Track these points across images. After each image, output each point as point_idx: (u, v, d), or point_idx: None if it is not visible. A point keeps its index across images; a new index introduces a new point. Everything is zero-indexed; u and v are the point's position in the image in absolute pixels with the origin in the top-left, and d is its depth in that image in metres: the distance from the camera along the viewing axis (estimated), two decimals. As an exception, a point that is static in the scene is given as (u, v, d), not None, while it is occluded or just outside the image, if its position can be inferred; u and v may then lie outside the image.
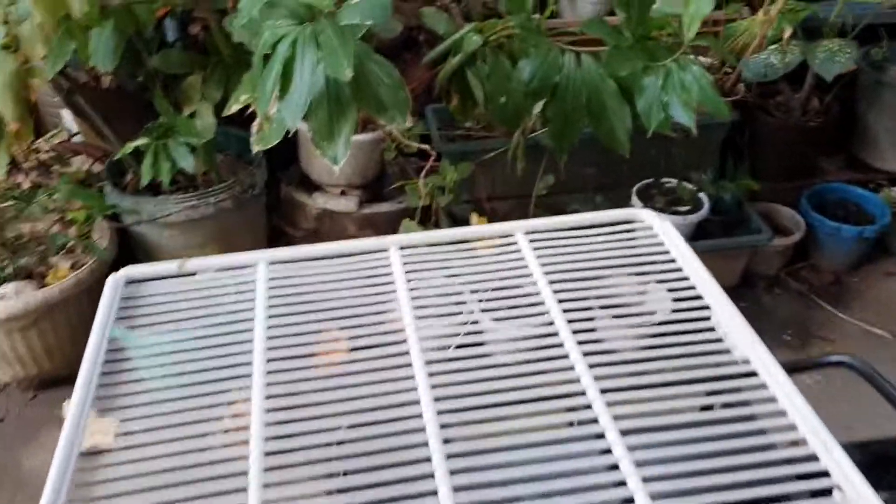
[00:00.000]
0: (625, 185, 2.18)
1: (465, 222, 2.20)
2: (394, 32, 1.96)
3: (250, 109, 1.72)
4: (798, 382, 0.78)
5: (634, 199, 2.15)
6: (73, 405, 0.70)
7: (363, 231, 2.13)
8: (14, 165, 2.30)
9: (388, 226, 2.12)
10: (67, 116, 2.49)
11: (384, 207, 2.13)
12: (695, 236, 2.16)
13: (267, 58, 1.49)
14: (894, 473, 0.64)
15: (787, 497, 0.60)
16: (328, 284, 0.82)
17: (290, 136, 1.50)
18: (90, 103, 2.09)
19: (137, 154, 1.98)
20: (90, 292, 1.90)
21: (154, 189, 2.03)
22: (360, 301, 0.81)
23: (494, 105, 1.89)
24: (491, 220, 2.22)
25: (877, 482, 0.66)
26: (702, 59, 2.14)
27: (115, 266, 1.99)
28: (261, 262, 0.85)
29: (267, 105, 1.48)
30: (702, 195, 2.15)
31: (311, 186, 2.17)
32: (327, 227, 2.12)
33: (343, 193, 2.12)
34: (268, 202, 2.23)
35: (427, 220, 2.14)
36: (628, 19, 1.71)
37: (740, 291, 2.31)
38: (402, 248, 0.85)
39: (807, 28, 2.17)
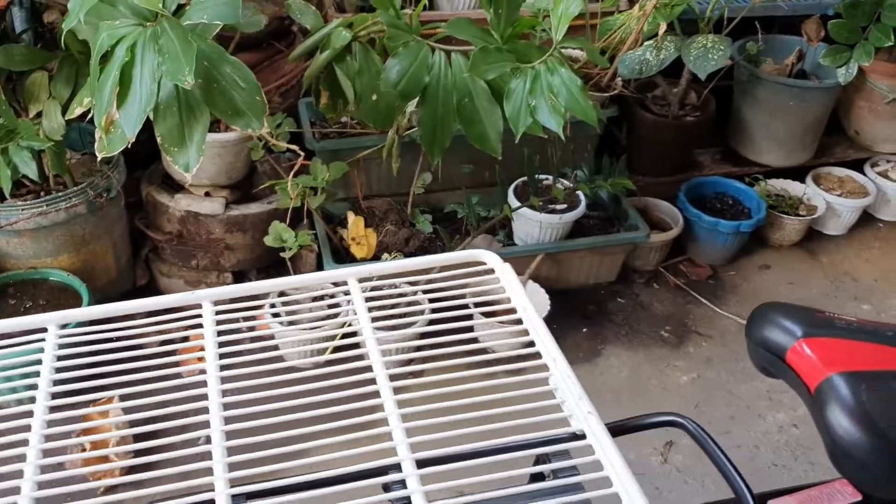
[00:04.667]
0: (500, 182, 2.15)
1: (342, 222, 2.13)
2: (257, 27, 1.85)
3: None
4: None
5: (511, 197, 2.12)
6: None
7: (231, 234, 2.02)
8: None
9: (258, 227, 2.03)
10: None
11: (253, 209, 2.04)
12: (573, 233, 2.15)
13: (105, 59, 1.38)
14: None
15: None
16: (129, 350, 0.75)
17: (129, 147, 1.39)
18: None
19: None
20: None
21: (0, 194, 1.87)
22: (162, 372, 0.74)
23: (366, 104, 1.82)
24: (368, 219, 2.15)
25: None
26: (576, 52, 2.12)
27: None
28: (51, 327, 0.76)
29: (104, 112, 1.37)
30: (579, 193, 2.13)
31: (175, 187, 2.05)
32: (192, 230, 2.01)
33: (208, 195, 2.01)
34: (130, 203, 2.10)
35: (299, 221, 2.06)
36: (496, 19, 1.66)
37: (619, 287, 2.32)
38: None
39: (683, 21, 2.16)
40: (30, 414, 0.67)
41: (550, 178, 2.18)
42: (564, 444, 0.65)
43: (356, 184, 2.13)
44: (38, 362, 0.71)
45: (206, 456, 0.64)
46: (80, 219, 1.88)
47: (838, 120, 2.68)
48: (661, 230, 2.34)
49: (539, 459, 0.71)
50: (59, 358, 0.72)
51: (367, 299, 0.79)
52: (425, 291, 0.81)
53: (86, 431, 1.76)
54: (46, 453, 0.65)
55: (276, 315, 1.83)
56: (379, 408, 0.69)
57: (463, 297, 0.82)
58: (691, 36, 2.12)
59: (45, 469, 0.62)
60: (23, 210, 1.81)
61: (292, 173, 1.93)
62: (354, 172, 2.10)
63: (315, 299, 1.48)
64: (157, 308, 0.78)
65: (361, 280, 0.82)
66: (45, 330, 0.75)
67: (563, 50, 1.69)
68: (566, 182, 2.15)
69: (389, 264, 0.84)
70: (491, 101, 1.72)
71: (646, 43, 2.10)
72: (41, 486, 0.62)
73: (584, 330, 2.19)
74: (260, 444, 0.64)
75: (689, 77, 2.29)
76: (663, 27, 2.06)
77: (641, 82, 2.38)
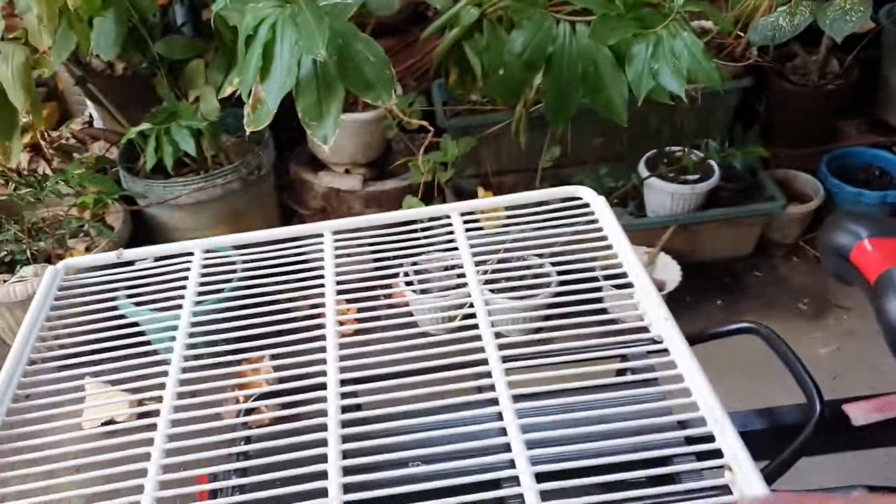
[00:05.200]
0: (631, 155, 2.16)
1: (472, 196, 2.20)
2: (391, 9, 1.95)
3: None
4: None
5: (642, 168, 2.12)
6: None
7: (369, 208, 2.15)
8: (37, 152, 2.38)
9: (393, 202, 2.14)
10: (91, 104, 2.56)
11: (389, 185, 2.15)
12: (706, 205, 2.13)
13: (250, 41, 1.51)
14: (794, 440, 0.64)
15: (679, 474, 0.61)
16: (260, 270, 0.85)
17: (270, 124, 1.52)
18: (103, 90, 2.15)
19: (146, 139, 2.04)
20: (104, 274, 1.96)
21: (165, 172, 2.08)
22: (288, 285, 0.83)
23: (493, 78, 1.88)
24: (497, 194, 2.21)
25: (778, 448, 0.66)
26: (706, 24, 2.10)
27: (130, 247, 2.07)
28: (196, 250, 0.87)
29: (250, 88, 1.51)
30: (712, 163, 2.11)
31: (318, 165, 2.20)
32: (334, 206, 2.15)
33: (347, 172, 2.14)
34: (279, 182, 2.26)
35: (432, 196, 2.15)
36: (618, -13, 1.68)
37: (756, 261, 2.27)
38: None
39: (822, -13, 2.10)
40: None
41: (682, 150, 2.17)
42: (644, 348, 0.69)
43: (485, 160, 2.20)
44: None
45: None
46: (234, 194, 2.06)
47: None
48: (800, 202, 2.27)
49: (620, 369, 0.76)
50: (203, 275, 0.84)
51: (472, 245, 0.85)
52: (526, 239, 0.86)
53: (240, 387, 1.93)
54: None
55: (409, 283, 1.93)
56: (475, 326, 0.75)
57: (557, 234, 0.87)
58: (826, 0, 2.05)
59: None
60: (184, 186, 2.00)
61: (423, 149, 2.03)
62: (483, 149, 2.17)
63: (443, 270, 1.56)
64: (285, 237, 0.88)
65: (463, 214, 0.88)
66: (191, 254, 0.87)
67: (692, 22, 1.69)
68: (698, 153, 2.14)
69: (486, 201, 0.91)
70: (615, 69, 1.74)
71: (779, 9, 2.05)
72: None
73: (719, 302, 2.16)
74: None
75: (829, 44, 2.21)
76: (798, -10, 2.01)
77: (780, 53, 2.32)
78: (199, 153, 2.03)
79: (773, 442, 0.66)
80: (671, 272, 2.09)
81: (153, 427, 0.69)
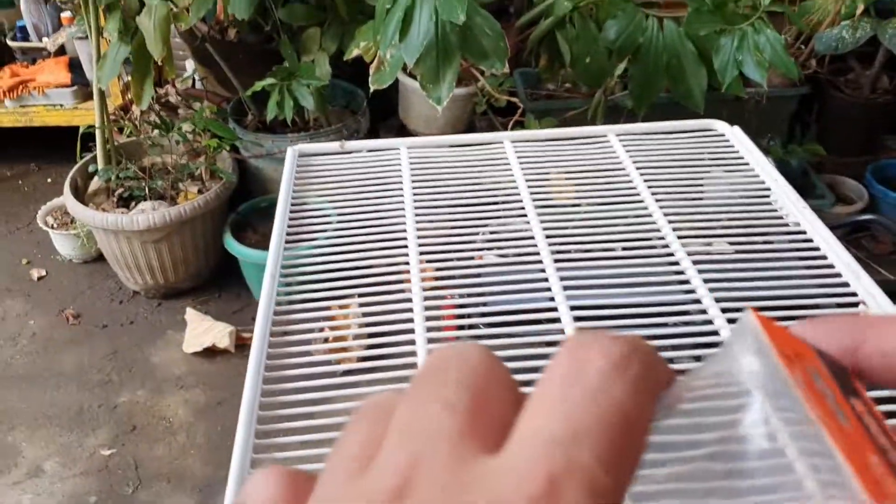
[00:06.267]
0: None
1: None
2: (491, -4, 2.16)
3: (359, 60, 1.95)
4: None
5: (705, 160, 2.31)
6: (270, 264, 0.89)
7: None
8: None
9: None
10: (189, 67, 2.76)
11: (474, 156, 2.34)
12: (760, 199, 2.32)
13: (388, 9, 1.72)
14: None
15: (819, 306, 0.80)
16: (456, 167, 1.04)
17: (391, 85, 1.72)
18: (218, 52, 2.35)
19: (256, 98, 2.24)
20: (213, 214, 2.16)
21: (270, 130, 2.28)
22: (483, 182, 1.02)
23: (580, 65, 2.09)
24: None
25: None
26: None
27: (235, 196, 2.27)
28: (402, 147, 1.06)
29: (388, 46, 1.71)
30: (769, 159, 2.30)
31: (408, 135, 2.40)
32: (421, 172, 2.34)
33: (438, 141, 2.33)
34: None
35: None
36: (709, -14, 1.88)
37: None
38: (513, 141, 1.06)
39: (881, 9, 2.30)
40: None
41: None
42: (785, 230, 0.88)
43: (562, 142, 2.40)
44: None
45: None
46: (334, 154, 2.25)
47: None
48: (846, 204, 2.46)
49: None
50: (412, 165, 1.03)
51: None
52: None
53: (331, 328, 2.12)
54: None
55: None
56: (650, 215, 0.94)
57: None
58: (888, 18, 2.26)
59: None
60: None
61: (510, 125, 2.23)
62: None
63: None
64: (471, 142, 1.07)
65: (617, 135, 1.07)
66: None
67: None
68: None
69: (639, 125, 1.10)
70: (697, 62, 1.94)
71: (842, 23, 2.25)
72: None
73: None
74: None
75: (884, 60, 2.41)
76: (861, 8, 2.21)
77: (835, 67, 2.52)
78: (303, 115, 2.23)
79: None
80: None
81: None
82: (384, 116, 2.50)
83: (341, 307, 0.83)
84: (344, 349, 1.93)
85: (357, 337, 2.04)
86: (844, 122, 2.54)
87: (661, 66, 1.97)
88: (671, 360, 0.73)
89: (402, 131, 2.43)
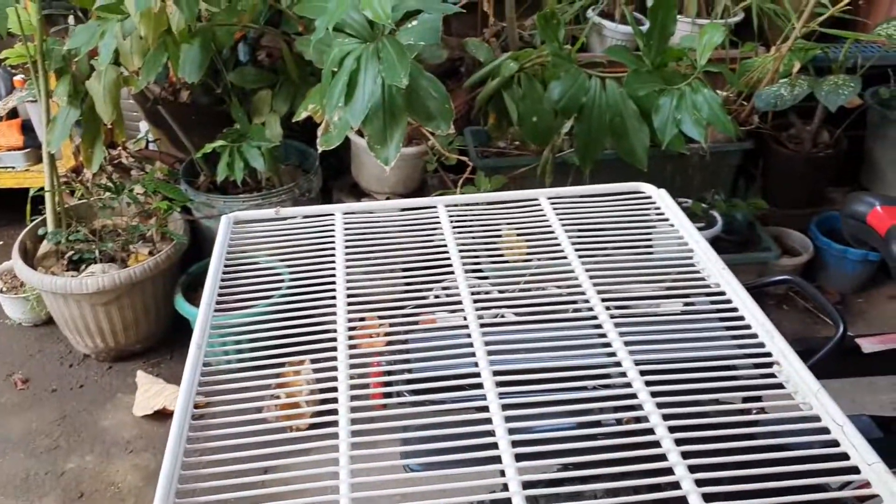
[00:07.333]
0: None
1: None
2: (440, 59, 2.21)
3: (310, 120, 1.98)
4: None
5: (653, 214, 2.36)
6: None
7: (406, 234, 2.36)
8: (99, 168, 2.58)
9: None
10: (143, 128, 2.77)
11: (426, 214, 2.37)
12: (708, 251, 2.37)
13: (334, 72, 1.75)
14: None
15: (735, 366, 0.82)
16: (389, 232, 1.05)
17: (342, 144, 1.74)
18: (170, 114, 2.37)
19: (209, 159, 2.25)
20: (164, 276, 2.15)
21: (222, 190, 2.29)
22: (415, 247, 1.04)
23: (527, 124, 2.13)
24: (522, 230, 2.44)
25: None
26: (719, 91, 2.38)
27: (187, 256, 2.26)
28: (337, 213, 1.08)
29: (333, 110, 1.73)
30: (715, 213, 2.36)
31: (360, 194, 2.42)
32: (374, 230, 2.36)
33: (388, 200, 2.36)
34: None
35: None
36: (648, 48, 1.94)
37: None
38: (447, 205, 1.08)
39: (818, 68, 2.39)
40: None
41: (690, 201, 2.42)
42: (705, 292, 0.90)
43: (513, 198, 2.43)
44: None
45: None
46: (285, 213, 2.26)
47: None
48: (791, 256, 2.52)
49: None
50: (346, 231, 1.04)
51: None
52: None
53: (280, 385, 2.10)
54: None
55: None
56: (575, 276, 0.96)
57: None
58: (824, 76, 2.34)
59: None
60: (243, 202, 2.21)
61: (460, 183, 2.26)
62: (511, 188, 2.40)
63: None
64: (405, 207, 1.09)
65: (549, 198, 1.10)
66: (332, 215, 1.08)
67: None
68: (704, 203, 2.38)
69: (569, 189, 1.12)
70: (639, 120, 1.99)
71: (781, 81, 2.33)
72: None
73: (716, 341, 2.38)
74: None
75: (823, 116, 2.49)
76: (797, 66, 2.30)
77: (778, 123, 2.59)
78: (255, 175, 2.25)
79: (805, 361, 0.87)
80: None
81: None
82: (338, 175, 2.53)
83: (269, 376, 0.83)
84: (275, 419, 1.91)
85: (283, 406, 2.02)
86: (788, 176, 2.61)
87: (605, 125, 2.02)
88: (597, 423, 0.74)
89: (355, 189, 2.46)
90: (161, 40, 1.93)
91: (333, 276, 0.96)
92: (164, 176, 2.26)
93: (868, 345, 0.93)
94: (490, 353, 0.82)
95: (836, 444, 0.69)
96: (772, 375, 0.79)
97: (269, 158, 2.19)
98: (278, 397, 1.99)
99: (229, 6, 2.05)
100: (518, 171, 2.41)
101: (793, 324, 2.46)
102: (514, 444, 0.70)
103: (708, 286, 0.93)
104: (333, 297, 0.92)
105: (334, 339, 0.85)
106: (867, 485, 0.66)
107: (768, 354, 0.81)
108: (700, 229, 2.31)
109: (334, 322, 0.88)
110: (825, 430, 0.70)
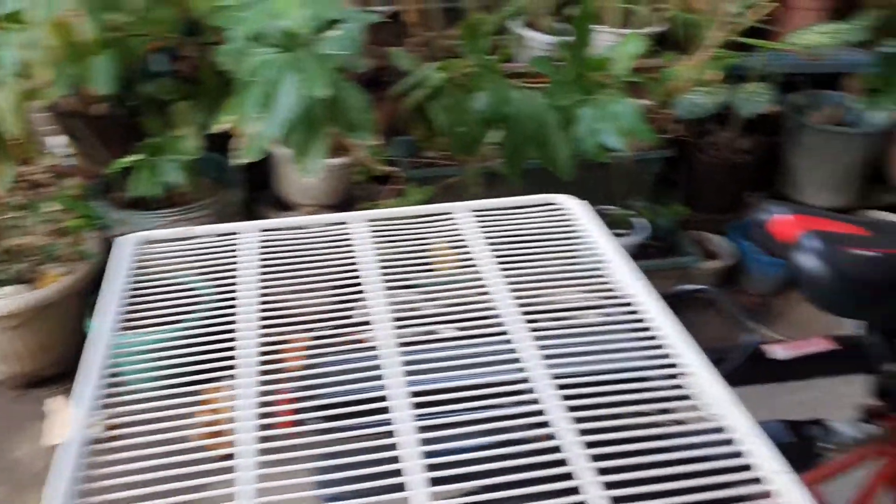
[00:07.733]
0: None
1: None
2: (361, 68, 2.18)
3: (234, 132, 1.93)
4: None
5: (579, 222, 2.38)
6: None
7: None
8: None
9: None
10: (53, 143, 2.66)
11: (352, 226, 2.34)
12: (635, 257, 2.39)
13: (250, 83, 1.71)
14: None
15: (646, 378, 0.81)
16: (304, 249, 1.03)
17: (264, 156, 1.71)
18: (87, 127, 2.29)
19: (125, 173, 2.18)
20: (79, 296, 2.07)
21: (138, 206, 2.22)
22: (329, 265, 1.01)
23: (454, 134, 2.12)
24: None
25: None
26: (641, 101, 2.41)
27: (102, 274, 2.18)
28: (252, 230, 1.05)
29: (250, 122, 1.69)
30: (641, 221, 2.39)
31: (284, 206, 2.38)
32: (300, 244, 2.32)
33: (314, 211, 2.32)
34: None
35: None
36: (569, 58, 1.96)
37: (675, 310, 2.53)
38: (363, 221, 1.06)
39: (735, 76, 2.44)
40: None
41: (614, 208, 2.44)
42: (619, 303, 0.90)
43: (440, 209, 2.42)
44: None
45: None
46: (207, 228, 2.21)
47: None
48: (712, 260, 2.57)
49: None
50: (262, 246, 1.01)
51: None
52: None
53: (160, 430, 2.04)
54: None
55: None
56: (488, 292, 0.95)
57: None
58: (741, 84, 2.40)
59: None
60: (162, 217, 2.15)
61: (384, 195, 2.24)
62: (440, 198, 2.39)
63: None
64: (323, 223, 1.06)
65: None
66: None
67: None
68: (627, 211, 2.41)
69: (485, 201, 1.11)
70: (561, 129, 2.00)
71: (699, 89, 2.38)
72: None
73: (643, 346, 2.41)
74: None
75: (741, 123, 2.55)
76: (713, 74, 2.35)
77: (698, 130, 2.64)
78: (173, 190, 2.19)
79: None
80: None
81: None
82: (261, 187, 2.48)
83: (170, 407, 0.80)
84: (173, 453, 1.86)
85: (185, 439, 1.96)
86: (709, 182, 2.66)
87: (529, 135, 2.02)
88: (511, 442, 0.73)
89: (279, 202, 2.41)
90: (71, 51, 1.86)
91: (247, 295, 0.93)
92: (80, 192, 2.18)
93: (780, 352, 0.94)
94: (402, 373, 0.80)
95: (738, 454, 0.69)
96: (679, 387, 0.79)
97: (188, 172, 2.13)
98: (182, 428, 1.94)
99: (143, 16, 1.99)
100: (447, 181, 2.41)
101: (715, 327, 2.49)
102: (425, 468, 0.68)
103: (621, 297, 0.92)
104: (245, 319, 0.89)
105: (241, 365, 0.82)
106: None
107: (676, 365, 0.81)
108: (624, 237, 2.35)
109: (245, 346, 0.85)
110: (728, 442, 0.70)
